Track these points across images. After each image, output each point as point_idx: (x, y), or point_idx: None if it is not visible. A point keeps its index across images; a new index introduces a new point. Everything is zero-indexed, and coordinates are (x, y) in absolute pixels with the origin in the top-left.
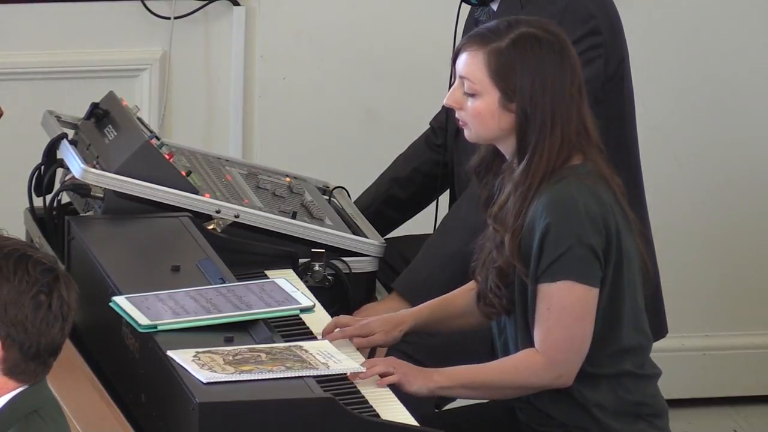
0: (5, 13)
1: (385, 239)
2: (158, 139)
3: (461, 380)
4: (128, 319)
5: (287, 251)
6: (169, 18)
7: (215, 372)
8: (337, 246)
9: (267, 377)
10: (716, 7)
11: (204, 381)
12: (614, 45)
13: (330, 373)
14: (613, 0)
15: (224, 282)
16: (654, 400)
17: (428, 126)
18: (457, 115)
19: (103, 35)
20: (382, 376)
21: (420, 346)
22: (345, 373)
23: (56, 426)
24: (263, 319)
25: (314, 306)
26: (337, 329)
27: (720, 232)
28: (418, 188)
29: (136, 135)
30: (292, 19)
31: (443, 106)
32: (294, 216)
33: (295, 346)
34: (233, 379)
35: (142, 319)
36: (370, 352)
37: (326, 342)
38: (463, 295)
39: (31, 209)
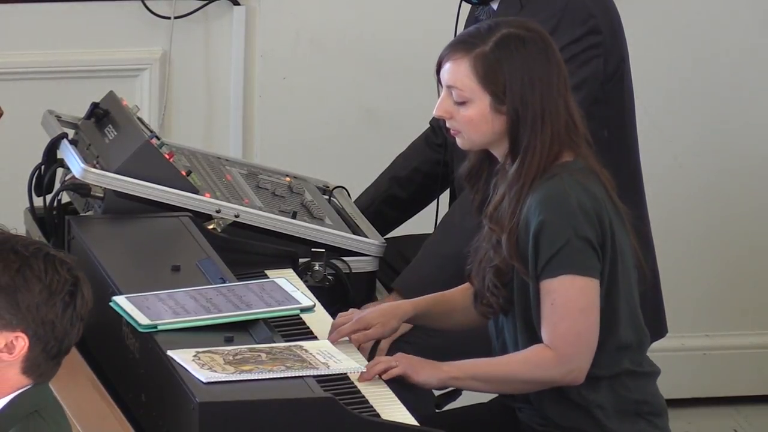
0: (5, 13)
1: (385, 239)
2: (158, 138)
3: (471, 372)
4: (128, 319)
5: (287, 251)
6: (169, 18)
7: (215, 372)
8: (337, 246)
9: (267, 377)
10: (716, 7)
11: (204, 381)
12: (614, 44)
13: (330, 372)
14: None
15: (224, 282)
16: (654, 398)
17: (428, 125)
18: (447, 125)
19: (104, 35)
20: (385, 372)
21: (420, 347)
22: (345, 373)
23: (57, 426)
24: (263, 319)
25: (314, 306)
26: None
27: (720, 231)
28: (418, 188)
29: (136, 135)
30: (293, 19)
31: None
32: (294, 216)
33: (295, 345)
34: (233, 378)
35: (143, 319)
36: (371, 352)
37: (326, 342)
38: (463, 292)
39: (32, 209)
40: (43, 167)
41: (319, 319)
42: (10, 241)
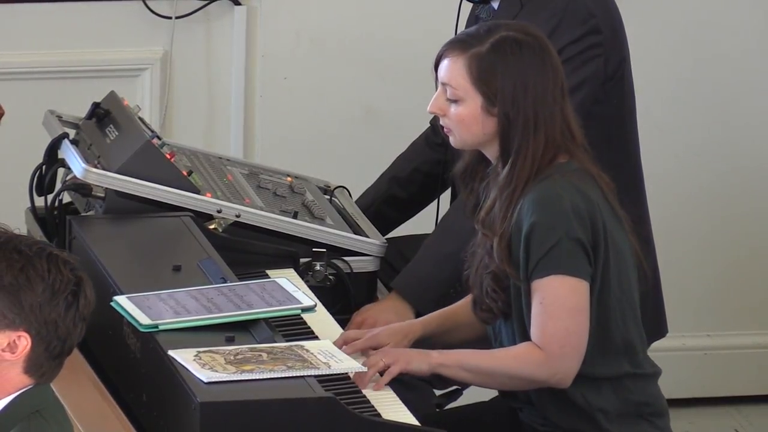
0: (5, 13)
1: (386, 239)
2: (159, 138)
3: (460, 362)
4: (129, 319)
5: (288, 251)
6: (170, 17)
7: (216, 371)
8: (338, 245)
9: (268, 377)
10: (716, 6)
11: (205, 380)
12: (615, 44)
13: (331, 372)
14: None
15: (225, 281)
16: (655, 399)
17: (428, 125)
18: (441, 122)
19: (105, 35)
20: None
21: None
22: (346, 373)
23: (59, 426)
24: (264, 319)
25: (315, 306)
26: (345, 346)
27: (720, 231)
28: (419, 188)
29: (138, 135)
30: (293, 19)
31: None
32: (295, 215)
33: (296, 345)
34: (234, 378)
35: (144, 319)
36: None
37: (327, 341)
38: (467, 305)
39: (33, 209)
40: (44, 167)
41: (320, 319)
42: (13, 241)
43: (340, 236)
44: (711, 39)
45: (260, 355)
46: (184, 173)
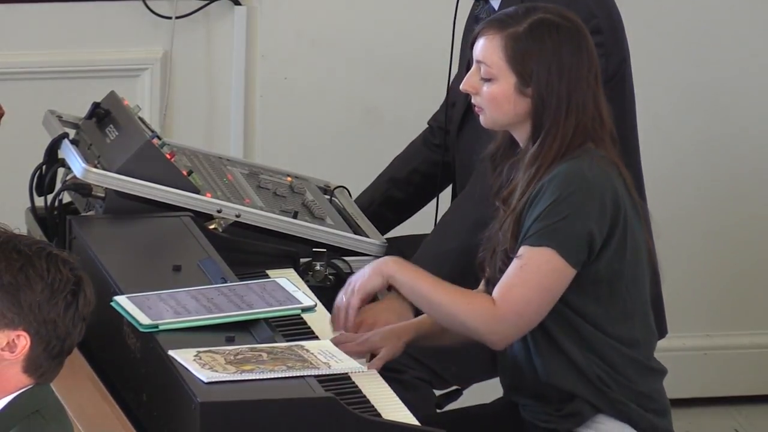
0: (5, 13)
1: (386, 239)
2: (159, 138)
3: (413, 282)
4: (129, 319)
5: (288, 251)
6: (170, 18)
7: (216, 371)
8: (338, 245)
9: (268, 377)
10: (716, 6)
11: (205, 380)
12: (615, 44)
13: (331, 372)
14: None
15: (225, 281)
16: (659, 395)
17: (427, 125)
18: (473, 101)
19: (105, 35)
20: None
21: (422, 347)
22: (346, 373)
23: (59, 426)
24: (264, 319)
25: (315, 306)
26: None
27: (720, 231)
28: (416, 189)
29: (138, 135)
30: (293, 19)
31: (442, 106)
32: (295, 215)
33: (296, 345)
34: (234, 378)
35: (144, 319)
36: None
37: (327, 341)
38: None
39: (33, 209)
40: (44, 167)
41: (320, 319)
42: (12, 241)
43: (340, 236)
44: (711, 39)
45: (260, 355)
46: (184, 173)
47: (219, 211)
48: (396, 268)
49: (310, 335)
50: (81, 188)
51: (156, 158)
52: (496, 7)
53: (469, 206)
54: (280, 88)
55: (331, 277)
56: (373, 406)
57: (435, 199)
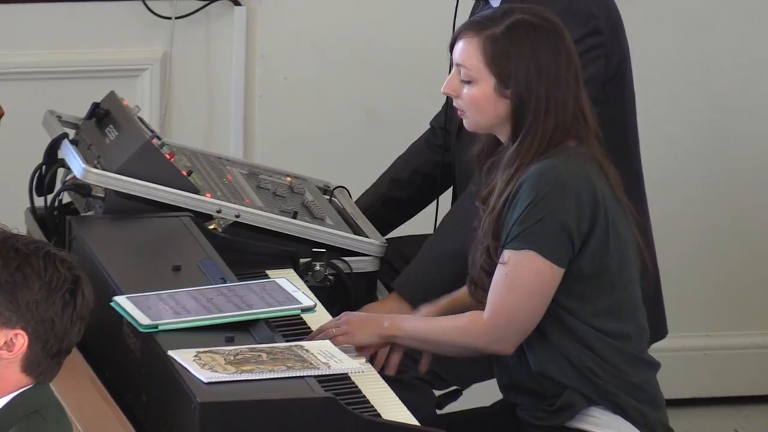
0: (5, 13)
1: (386, 239)
2: (159, 138)
3: (410, 333)
4: (129, 319)
5: (288, 251)
6: (170, 18)
7: (216, 372)
8: (338, 246)
9: (268, 377)
10: (716, 6)
11: (205, 381)
12: (615, 45)
13: (331, 372)
14: (614, 0)
15: (225, 282)
16: (652, 388)
17: (428, 126)
18: (455, 104)
19: (104, 35)
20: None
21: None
22: (346, 373)
23: (58, 426)
24: (264, 319)
25: (315, 306)
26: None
27: (720, 230)
28: (418, 189)
29: (137, 135)
30: (293, 19)
31: (443, 107)
32: (295, 216)
33: (296, 345)
34: (234, 378)
35: (143, 319)
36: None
37: (327, 342)
38: (464, 298)
39: (32, 209)
40: (44, 167)
41: (320, 320)
42: (10, 240)
43: (340, 236)
44: (711, 39)
45: (260, 356)
46: (184, 173)
47: (219, 211)
48: (393, 329)
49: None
50: (81, 188)
51: (156, 158)
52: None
53: (470, 207)
54: (280, 88)
55: (330, 277)
56: (372, 406)
57: (436, 200)
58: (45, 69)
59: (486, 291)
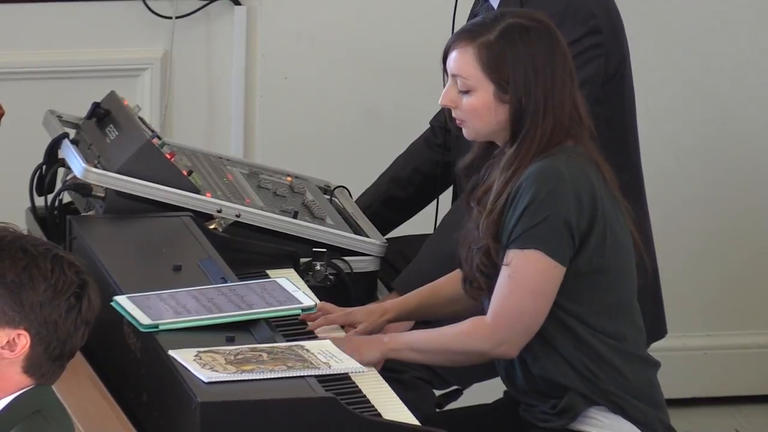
0: (5, 13)
1: (386, 239)
2: (159, 138)
3: (411, 344)
4: (130, 319)
5: (289, 251)
6: (170, 17)
7: (217, 371)
8: (338, 245)
9: (268, 377)
10: (716, 7)
11: (205, 380)
12: (615, 44)
13: (332, 372)
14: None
15: (226, 281)
16: (651, 387)
17: (428, 125)
18: (453, 115)
19: (105, 35)
20: None
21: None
22: (347, 373)
23: (59, 426)
24: (265, 319)
25: (316, 305)
26: (322, 317)
27: (720, 230)
28: (418, 188)
29: (138, 134)
30: (294, 19)
31: None
32: (295, 215)
33: (296, 345)
34: (235, 378)
35: (144, 319)
36: None
37: (328, 341)
38: (452, 281)
39: (33, 209)
40: (44, 167)
41: None
42: (20, 240)
43: (341, 236)
44: (711, 39)
45: (260, 355)
46: (184, 173)
47: (219, 211)
48: (392, 343)
49: (311, 335)
50: (81, 188)
51: (156, 158)
52: (495, 7)
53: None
54: (280, 88)
55: (331, 277)
56: (373, 406)
57: (436, 199)
58: (45, 69)
59: (482, 290)
